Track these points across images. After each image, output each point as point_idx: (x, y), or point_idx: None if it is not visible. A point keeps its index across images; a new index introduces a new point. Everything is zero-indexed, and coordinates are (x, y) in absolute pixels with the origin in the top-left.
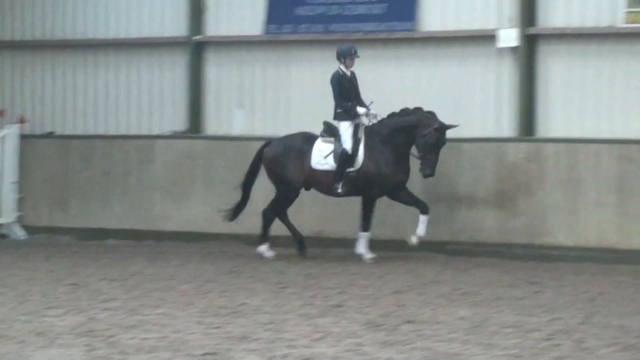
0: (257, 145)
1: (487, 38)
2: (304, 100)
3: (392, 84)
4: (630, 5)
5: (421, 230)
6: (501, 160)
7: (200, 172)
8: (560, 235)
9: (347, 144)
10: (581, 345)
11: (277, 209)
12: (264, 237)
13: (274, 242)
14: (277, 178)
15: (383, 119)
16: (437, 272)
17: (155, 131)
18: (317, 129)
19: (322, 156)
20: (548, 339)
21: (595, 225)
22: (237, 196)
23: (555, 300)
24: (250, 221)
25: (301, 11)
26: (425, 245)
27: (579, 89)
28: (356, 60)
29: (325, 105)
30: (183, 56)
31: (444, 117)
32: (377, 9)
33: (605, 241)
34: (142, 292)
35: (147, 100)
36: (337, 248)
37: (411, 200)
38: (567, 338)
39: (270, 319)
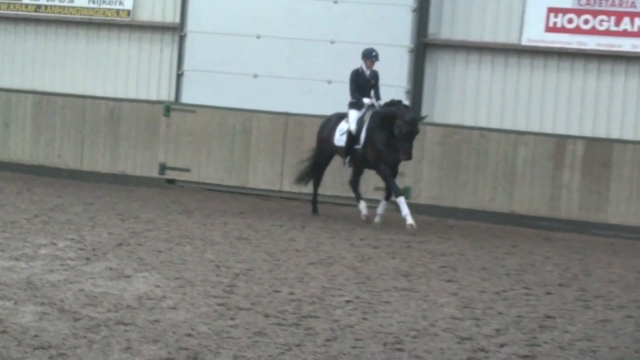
0: None
1: None
2: None
3: None
4: None
5: (404, 211)
6: None
7: None
8: None
9: (352, 126)
10: None
11: (312, 168)
12: (357, 197)
13: None
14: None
15: (381, 106)
16: None
17: None
18: None
19: (340, 134)
20: None
21: None
22: None
23: None
24: None
25: None
26: None
27: None
28: None
29: None
30: None
31: None
32: None
33: None
34: None
35: None
36: None
37: (389, 183)
38: None
39: None
